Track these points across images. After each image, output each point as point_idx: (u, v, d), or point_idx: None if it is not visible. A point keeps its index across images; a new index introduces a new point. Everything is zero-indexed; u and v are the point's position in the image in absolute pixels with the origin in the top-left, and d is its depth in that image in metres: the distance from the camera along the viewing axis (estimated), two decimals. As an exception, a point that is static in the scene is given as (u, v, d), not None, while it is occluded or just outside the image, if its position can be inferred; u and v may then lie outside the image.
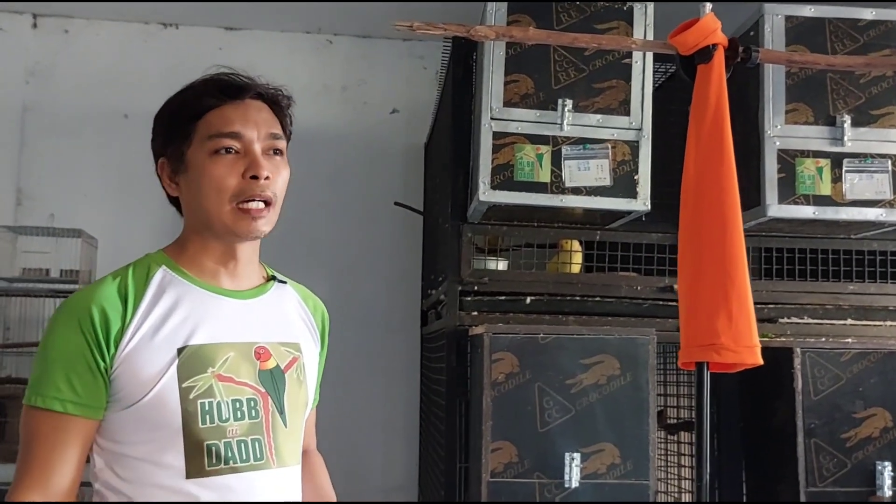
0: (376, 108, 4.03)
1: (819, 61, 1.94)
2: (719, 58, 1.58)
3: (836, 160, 2.40)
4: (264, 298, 1.38)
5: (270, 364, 1.32)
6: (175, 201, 1.35)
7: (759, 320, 2.70)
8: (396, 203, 3.84)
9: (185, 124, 1.28)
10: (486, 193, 2.31)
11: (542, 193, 2.32)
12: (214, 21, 3.85)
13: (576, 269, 2.74)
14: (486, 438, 2.21)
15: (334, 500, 1.50)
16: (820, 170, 2.38)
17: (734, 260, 1.55)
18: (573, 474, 2.22)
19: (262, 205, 1.28)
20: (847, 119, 2.39)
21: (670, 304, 2.66)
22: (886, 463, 2.28)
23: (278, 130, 1.33)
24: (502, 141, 2.33)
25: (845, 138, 2.39)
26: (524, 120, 2.33)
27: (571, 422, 2.25)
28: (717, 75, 1.57)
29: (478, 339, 2.33)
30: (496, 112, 2.33)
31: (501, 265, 2.72)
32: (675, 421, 3.12)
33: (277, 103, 1.35)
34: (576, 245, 2.73)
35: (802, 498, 2.23)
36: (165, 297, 1.26)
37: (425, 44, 4.04)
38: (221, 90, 1.29)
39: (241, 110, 1.29)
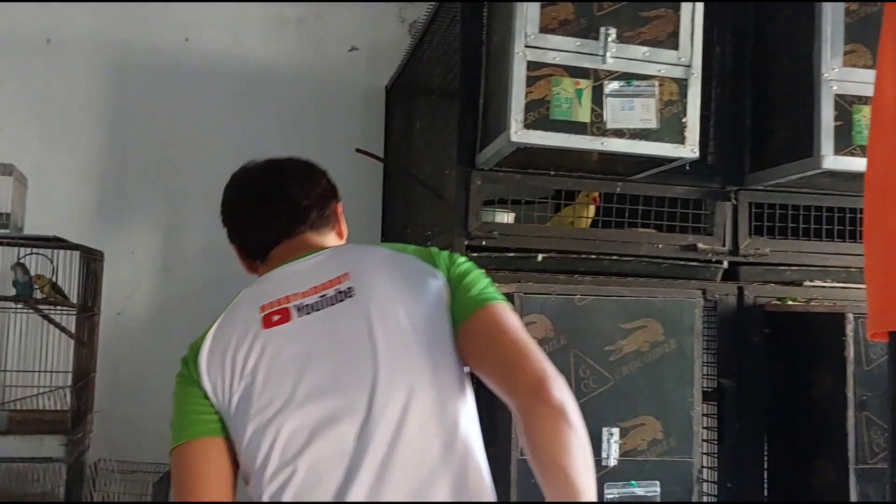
0: (334, 45, 3.65)
1: None
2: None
3: (896, 108, 2.21)
4: None
5: None
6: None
7: (784, 283, 2.54)
8: (358, 150, 3.47)
9: None
10: (519, 133, 1.99)
11: (580, 135, 2.01)
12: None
13: (584, 223, 2.48)
14: (520, 413, 1.92)
15: None
16: (879, 119, 2.18)
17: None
18: (611, 451, 1.99)
19: None
20: (907, 64, 2.19)
21: (691, 263, 2.43)
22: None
23: None
24: (537, 73, 2.01)
25: (905, 84, 2.19)
26: (563, 49, 2.02)
27: (610, 393, 2.00)
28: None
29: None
30: (531, 39, 2.01)
31: (509, 218, 2.43)
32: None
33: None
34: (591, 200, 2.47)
35: (851, 476, 2.05)
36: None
37: (389, -22, 3.68)
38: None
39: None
